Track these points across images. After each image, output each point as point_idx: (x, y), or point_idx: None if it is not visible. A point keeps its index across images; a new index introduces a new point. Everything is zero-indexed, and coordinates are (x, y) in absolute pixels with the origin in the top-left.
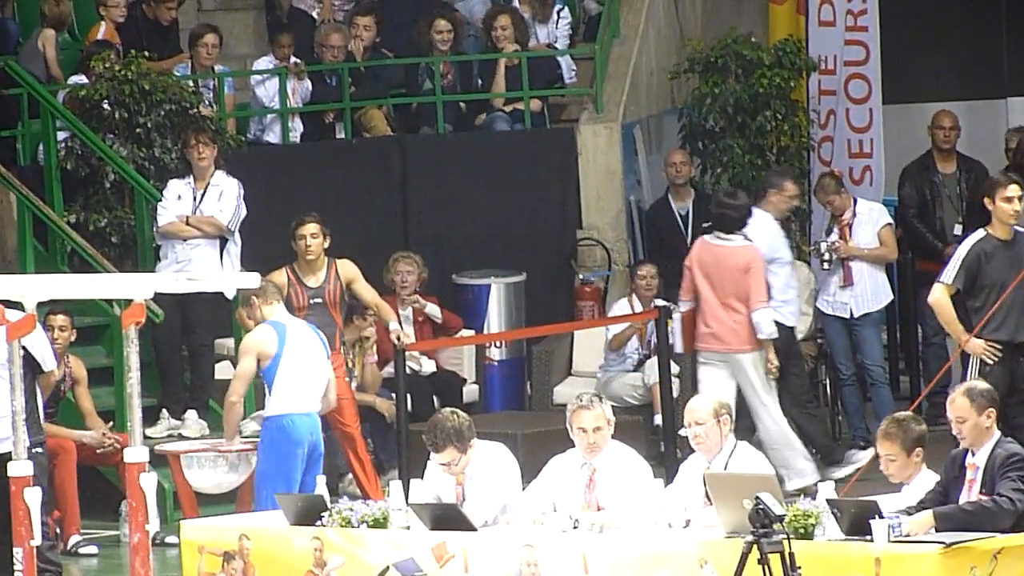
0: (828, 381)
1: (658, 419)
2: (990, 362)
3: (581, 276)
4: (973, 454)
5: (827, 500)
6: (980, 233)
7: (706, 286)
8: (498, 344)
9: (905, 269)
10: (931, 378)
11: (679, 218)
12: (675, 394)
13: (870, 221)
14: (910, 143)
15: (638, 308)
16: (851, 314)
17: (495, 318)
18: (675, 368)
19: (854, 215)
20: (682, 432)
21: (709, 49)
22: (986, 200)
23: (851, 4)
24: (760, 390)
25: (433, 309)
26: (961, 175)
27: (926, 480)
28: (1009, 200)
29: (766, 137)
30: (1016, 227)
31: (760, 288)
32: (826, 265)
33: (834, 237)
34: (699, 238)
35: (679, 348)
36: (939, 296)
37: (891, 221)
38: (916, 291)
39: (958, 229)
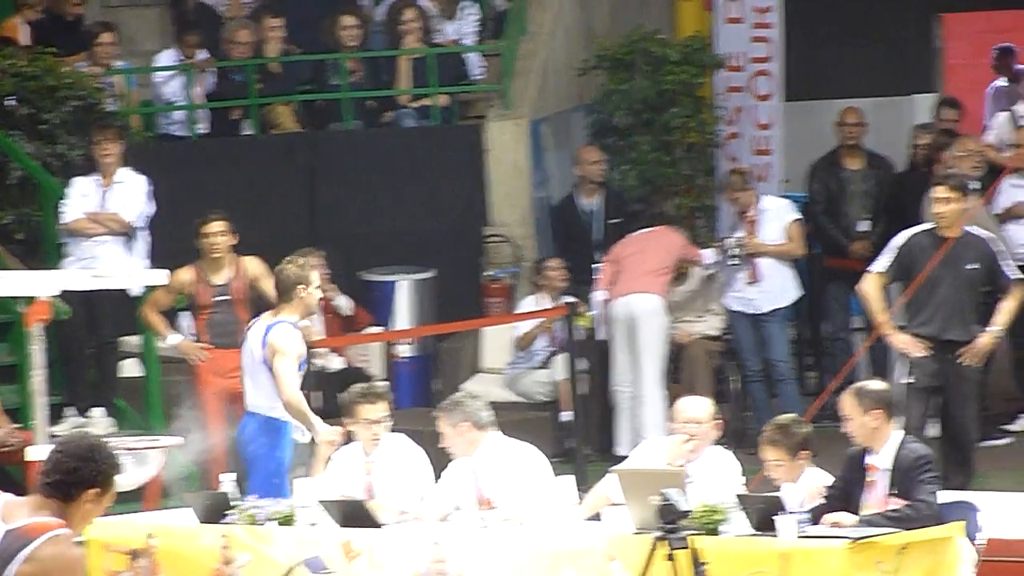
0: (735, 377)
1: (566, 415)
2: (915, 355)
3: (489, 273)
4: (874, 454)
5: (736, 496)
6: (925, 226)
7: None
8: (406, 341)
9: (812, 265)
10: (837, 374)
11: (587, 214)
12: (584, 391)
13: (777, 217)
14: (818, 139)
15: (546, 304)
16: (758, 310)
17: (403, 315)
18: (583, 364)
19: (761, 211)
20: (677, 430)
21: (617, 46)
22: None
23: (757, 1)
24: None
25: (343, 301)
26: (868, 171)
27: (811, 478)
28: (939, 201)
29: (673, 134)
30: (967, 228)
31: None
32: (733, 261)
33: (740, 233)
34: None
35: (602, 335)
36: (867, 285)
37: (798, 217)
38: (823, 287)
39: (865, 225)
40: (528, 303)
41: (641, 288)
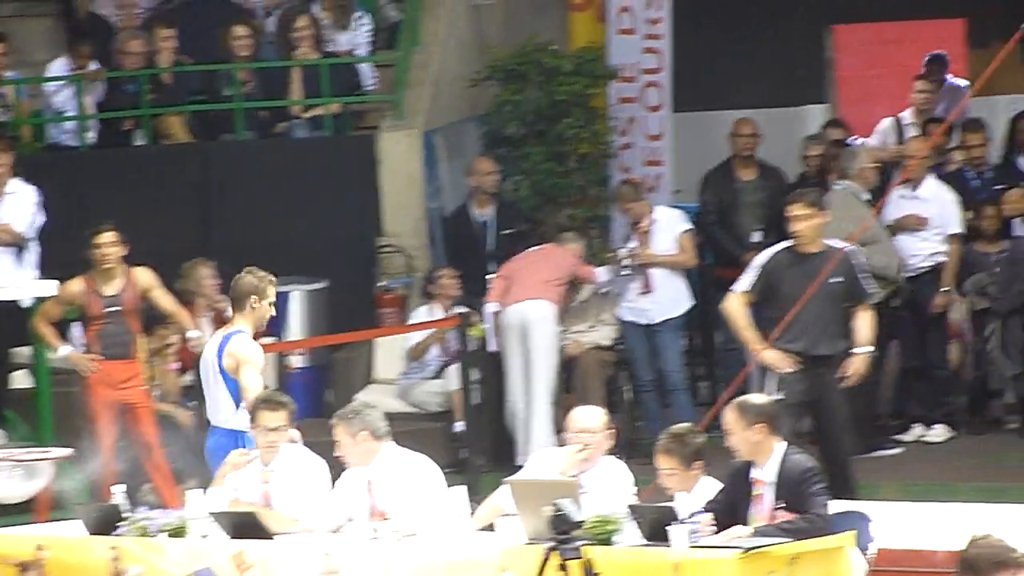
0: (628, 387)
1: (459, 426)
2: (785, 371)
3: (382, 284)
4: (758, 467)
5: (628, 506)
6: (786, 243)
7: None
8: (299, 352)
9: (704, 275)
10: (730, 384)
11: (479, 225)
12: (477, 401)
13: (669, 228)
14: (710, 150)
15: (438, 315)
16: (651, 320)
17: (296, 325)
18: (475, 374)
19: (653, 222)
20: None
21: (510, 57)
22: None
23: (649, 12)
24: None
25: None
26: (761, 182)
27: (706, 489)
28: (795, 219)
29: (566, 144)
30: (827, 241)
31: None
32: (626, 272)
33: (633, 244)
34: None
35: (493, 347)
36: (731, 304)
37: (690, 227)
38: (715, 297)
39: (757, 236)
40: (421, 313)
41: (533, 295)
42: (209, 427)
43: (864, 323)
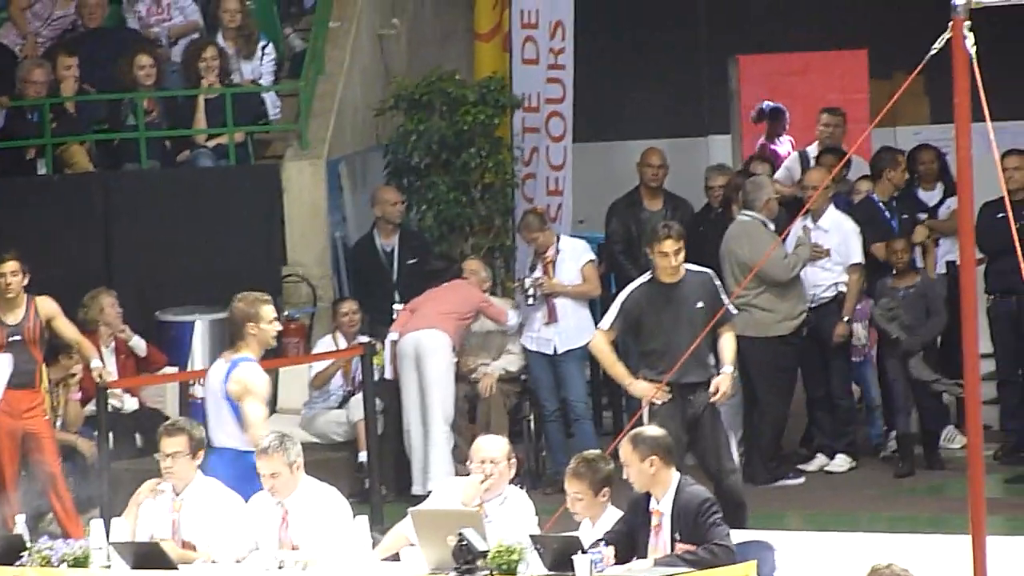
0: (532, 417)
1: (363, 456)
2: (658, 403)
3: (286, 313)
4: (657, 500)
5: (530, 536)
6: (645, 277)
7: None
8: (202, 382)
9: (608, 305)
10: (633, 414)
11: (384, 255)
12: (380, 431)
13: (573, 258)
14: (613, 180)
15: (343, 344)
16: (555, 350)
17: (199, 355)
18: (380, 404)
19: (558, 252)
20: (473, 468)
21: (414, 86)
22: (647, 248)
23: (553, 42)
24: None
25: (138, 342)
26: (667, 212)
27: (612, 519)
28: (665, 255)
29: (471, 174)
30: (688, 267)
31: None
32: (530, 301)
33: (538, 274)
34: None
35: (388, 374)
36: (597, 342)
37: (594, 258)
38: None
39: None
40: (324, 343)
41: (428, 325)
42: (208, 449)
43: (728, 344)
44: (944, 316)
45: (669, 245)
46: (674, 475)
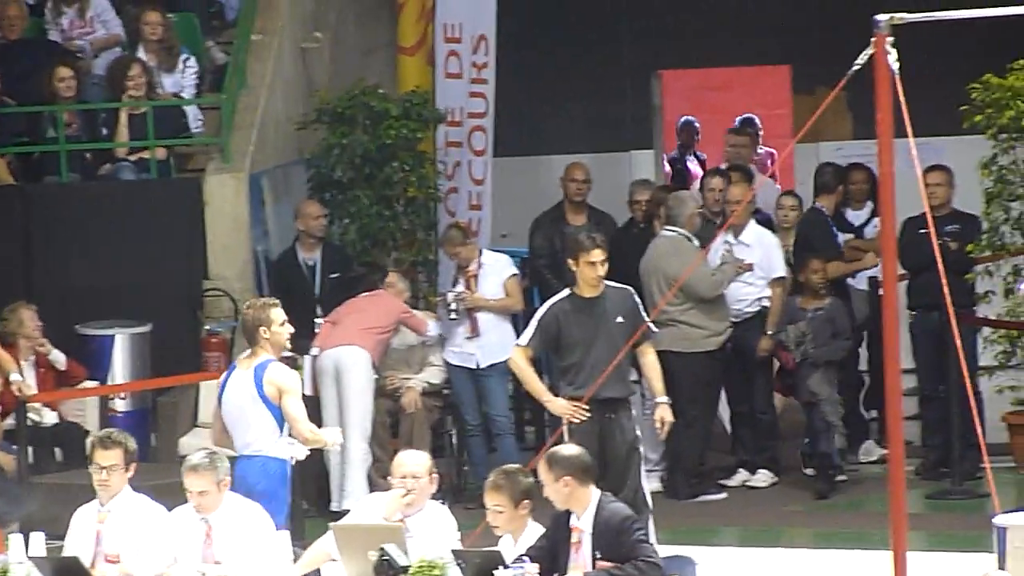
0: (454, 431)
1: None
2: (577, 421)
3: (207, 327)
4: (577, 517)
5: (452, 551)
6: (564, 292)
7: None
8: (122, 395)
9: (532, 320)
10: (556, 429)
11: (306, 269)
12: None
13: (496, 272)
14: (536, 194)
15: None
16: (477, 365)
17: (120, 369)
18: None
19: (480, 266)
20: (395, 483)
21: (337, 100)
22: (570, 261)
23: (476, 56)
24: None
25: (58, 356)
26: (591, 227)
27: (533, 534)
28: (592, 265)
29: (394, 188)
30: (607, 282)
31: None
32: (453, 316)
33: (460, 288)
34: None
35: (307, 390)
36: (515, 358)
37: (517, 272)
38: None
39: None
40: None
41: (349, 341)
42: (236, 460)
43: (653, 369)
44: (850, 339)
45: (598, 255)
46: (593, 493)
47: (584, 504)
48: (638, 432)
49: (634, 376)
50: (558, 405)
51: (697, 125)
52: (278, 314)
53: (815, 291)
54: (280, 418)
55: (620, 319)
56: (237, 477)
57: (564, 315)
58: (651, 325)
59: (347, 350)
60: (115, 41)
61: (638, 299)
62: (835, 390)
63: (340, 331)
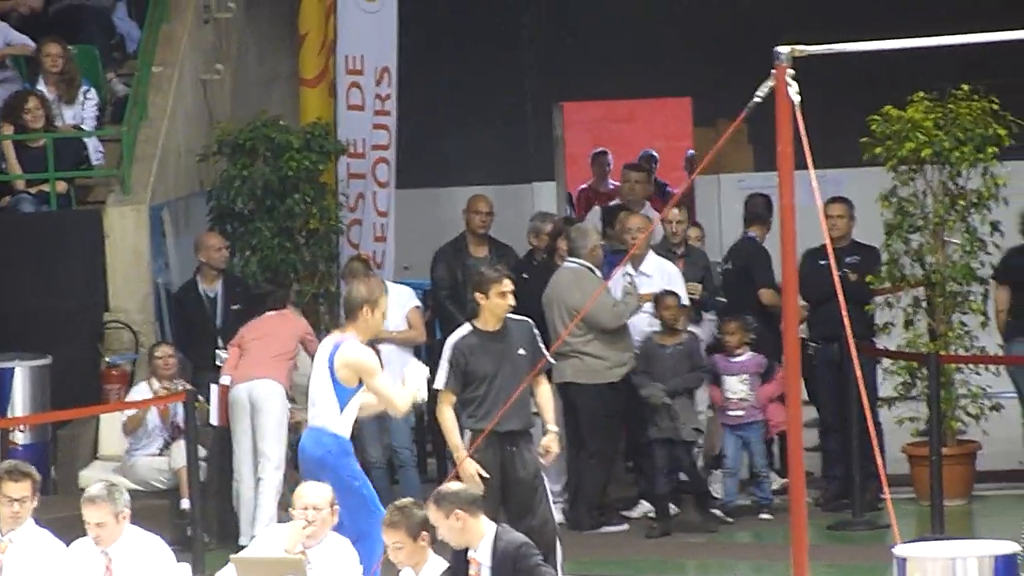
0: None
1: (185, 503)
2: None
3: (108, 359)
4: (474, 549)
5: None
6: (465, 328)
7: None
8: (22, 428)
9: (434, 351)
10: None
11: (207, 301)
12: (203, 477)
13: (399, 304)
14: (443, 226)
15: (160, 390)
16: None
17: (19, 401)
18: (203, 451)
19: None
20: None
21: (238, 131)
22: (478, 295)
23: (379, 88)
24: None
25: None
26: (493, 259)
27: (435, 567)
28: (503, 295)
29: (295, 220)
30: (509, 315)
31: None
32: None
33: None
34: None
35: (215, 421)
36: (443, 406)
37: (419, 304)
38: None
39: None
40: (140, 389)
41: (262, 374)
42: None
43: (546, 400)
44: (706, 374)
45: (509, 284)
46: (487, 524)
47: (479, 535)
48: (541, 462)
49: (533, 408)
50: (467, 468)
51: (610, 157)
52: (386, 303)
53: (672, 328)
54: (343, 397)
55: (522, 351)
56: (300, 449)
57: (470, 349)
58: (549, 357)
59: (261, 384)
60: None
61: (536, 331)
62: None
63: (250, 361)
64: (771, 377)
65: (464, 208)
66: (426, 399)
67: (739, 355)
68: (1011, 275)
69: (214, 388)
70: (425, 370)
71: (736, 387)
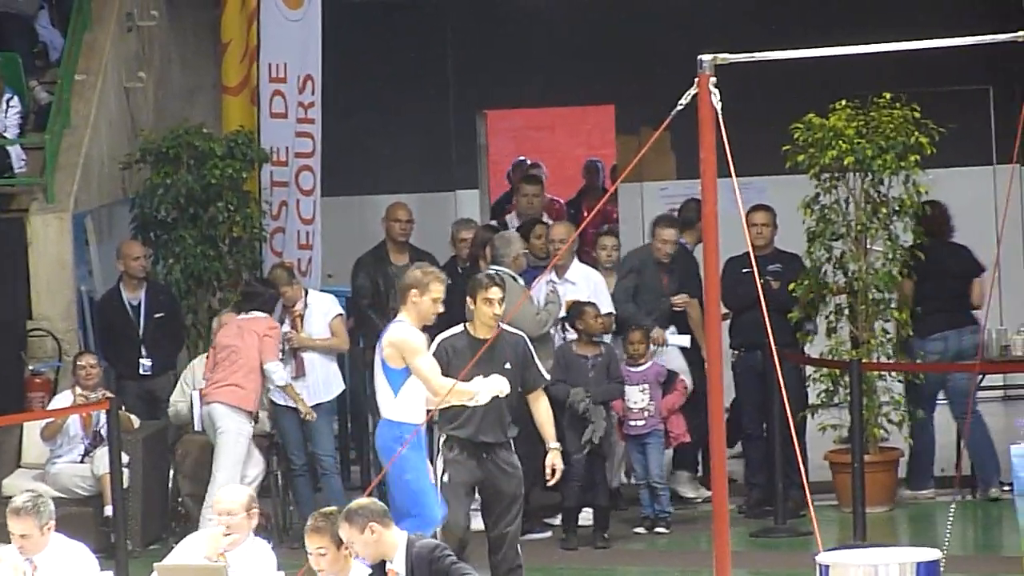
0: (280, 471)
1: (108, 510)
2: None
3: (31, 367)
4: (390, 560)
5: None
6: (457, 329)
7: None
8: None
9: (356, 359)
10: (381, 468)
11: (131, 309)
12: (126, 484)
13: (322, 312)
14: (360, 234)
15: (82, 398)
16: None
17: None
18: (126, 458)
19: (306, 306)
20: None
21: (161, 139)
22: (468, 299)
23: (302, 96)
24: None
25: None
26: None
27: (358, 574)
28: (489, 302)
29: (219, 228)
30: (504, 327)
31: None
32: (279, 356)
33: (287, 328)
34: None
35: (197, 427)
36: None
37: (342, 312)
38: (367, 382)
39: None
40: (63, 397)
41: (219, 397)
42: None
43: (545, 416)
44: (623, 382)
45: (496, 292)
46: (398, 534)
47: (394, 546)
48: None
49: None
50: (488, 384)
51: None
52: (439, 289)
53: (591, 339)
54: (393, 381)
55: (508, 365)
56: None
57: (455, 351)
58: (544, 372)
59: (216, 408)
60: None
61: (531, 346)
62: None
63: (215, 378)
64: (672, 387)
65: (383, 216)
66: (507, 392)
67: (641, 364)
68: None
69: (195, 395)
70: (506, 385)
71: (636, 396)
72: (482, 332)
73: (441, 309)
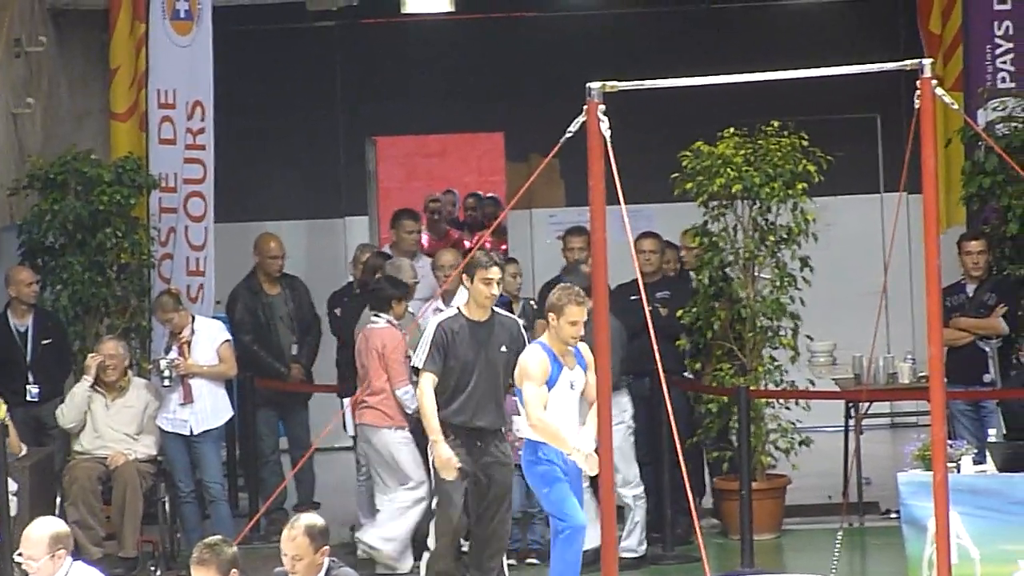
0: (167, 498)
1: None
2: (450, 478)
3: None
4: None
5: None
6: (452, 311)
7: None
8: None
9: (244, 386)
10: (268, 496)
11: (18, 335)
12: (13, 512)
13: (209, 338)
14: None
15: None
16: (191, 431)
17: None
18: (13, 486)
19: (193, 332)
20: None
21: (49, 165)
22: (464, 278)
23: (191, 123)
24: None
25: None
26: (287, 294)
27: None
28: (488, 282)
29: (107, 254)
30: (495, 308)
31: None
32: (167, 383)
33: (174, 354)
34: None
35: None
36: (424, 386)
37: (230, 338)
38: (254, 408)
39: (295, 348)
40: None
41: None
42: None
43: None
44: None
45: (495, 272)
46: (326, 559)
47: (316, 570)
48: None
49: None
50: (442, 452)
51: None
52: (574, 312)
53: None
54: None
55: (503, 348)
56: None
57: (453, 334)
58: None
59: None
60: None
61: (524, 331)
62: None
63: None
64: None
65: (254, 248)
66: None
67: None
68: None
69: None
70: (595, 468)
71: (520, 424)
72: (477, 313)
73: (581, 332)
